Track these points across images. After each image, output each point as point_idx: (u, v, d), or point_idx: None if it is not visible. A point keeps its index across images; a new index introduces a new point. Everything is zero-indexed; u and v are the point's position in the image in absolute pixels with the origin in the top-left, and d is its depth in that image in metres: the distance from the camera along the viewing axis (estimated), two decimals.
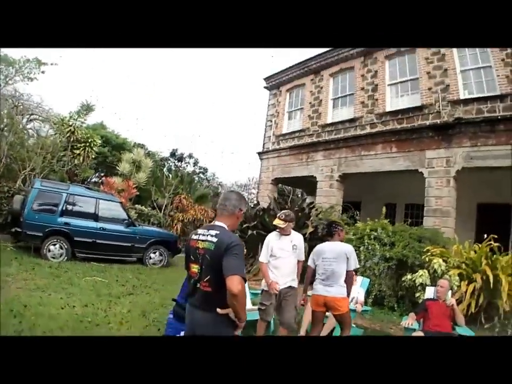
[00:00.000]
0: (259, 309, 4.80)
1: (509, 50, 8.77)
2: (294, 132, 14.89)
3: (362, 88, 12.35)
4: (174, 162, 24.28)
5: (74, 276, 7.60)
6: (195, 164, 25.05)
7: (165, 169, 20.58)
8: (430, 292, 6.05)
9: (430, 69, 10.41)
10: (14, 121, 13.54)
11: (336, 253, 4.44)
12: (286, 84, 15.62)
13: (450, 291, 5.89)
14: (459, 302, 6.16)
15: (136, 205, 14.67)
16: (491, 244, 6.99)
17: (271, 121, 16.00)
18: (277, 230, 4.82)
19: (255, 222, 11.31)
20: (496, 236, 7.10)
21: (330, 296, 4.31)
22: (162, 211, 15.48)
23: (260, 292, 5.10)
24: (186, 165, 24.60)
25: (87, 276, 7.77)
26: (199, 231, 2.57)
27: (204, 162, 38.02)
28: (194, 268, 2.49)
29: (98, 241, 9.63)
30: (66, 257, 9.24)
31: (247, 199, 22.28)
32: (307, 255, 4.96)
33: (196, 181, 20.42)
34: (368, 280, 6.89)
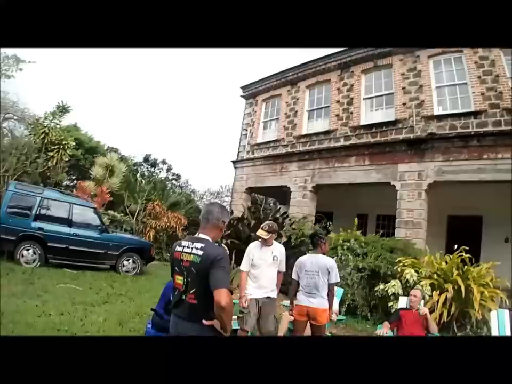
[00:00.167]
0: (238, 317, 4.72)
1: (486, 67, 9.16)
2: (269, 142, 14.91)
3: (338, 101, 12.55)
4: (147, 168, 23.93)
5: (48, 283, 7.47)
6: (168, 170, 24.80)
7: (138, 175, 20.16)
8: (403, 302, 6.16)
9: (405, 84, 10.71)
10: None
11: (318, 267, 4.57)
12: (262, 94, 15.67)
13: (422, 300, 6.01)
14: (431, 311, 6.25)
15: (109, 211, 14.25)
16: (462, 255, 7.15)
17: (246, 130, 15.99)
18: (259, 240, 4.84)
19: (229, 231, 11.18)
20: (467, 248, 7.26)
21: (313, 307, 4.49)
22: (135, 217, 15.12)
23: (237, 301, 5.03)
24: (160, 171, 24.37)
25: (61, 283, 7.64)
26: (183, 242, 2.58)
27: (177, 168, 37.73)
28: (179, 279, 2.51)
29: (71, 247, 9.35)
30: (39, 263, 8.98)
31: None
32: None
33: (168, 188, 20.09)
34: (342, 290, 6.98)
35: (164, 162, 24.59)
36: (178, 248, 2.57)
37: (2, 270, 7.53)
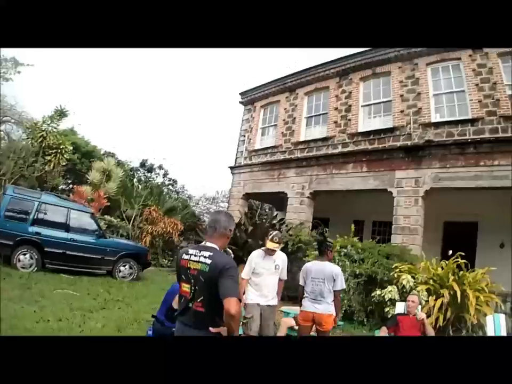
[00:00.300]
0: (242, 323, 4.73)
1: (483, 75, 9.25)
2: (266, 148, 14.94)
3: (336, 108, 12.62)
4: (144, 173, 23.93)
5: (45, 288, 7.43)
6: (165, 175, 24.80)
7: (135, 180, 20.15)
8: (400, 307, 6.21)
9: (403, 92, 10.80)
10: None
11: (324, 274, 4.64)
12: (261, 100, 15.74)
13: (419, 306, 6.05)
14: (427, 315, 6.25)
15: (106, 216, 14.21)
16: (458, 260, 7.18)
17: (244, 136, 16.03)
18: (262, 249, 4.89)
19: None
20: (463, 253, 7.30)
21: (318, 312, 4.56)
22: (131, 222, 15.07)
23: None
24: (156, 176, 24.37)
25: (58, 288, 7.61)
26: (190, 250, 2.60)
27: (174, 173, 37.76)
28: (186, 287, 2.53)
29: (68, 252, 9.31)
30: (36, 268, 8.93)
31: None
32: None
33: (165, 193, 20.08)
34: None
35: (160, 167, 24.68)
36: (185, 256, 2.58)
37: None
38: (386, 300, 7.38)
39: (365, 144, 11.54)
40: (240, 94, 16.61)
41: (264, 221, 12.80)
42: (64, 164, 15.11)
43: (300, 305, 4.89)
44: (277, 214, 14.34)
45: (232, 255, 4.06)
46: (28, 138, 14.60)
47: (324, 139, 12.75)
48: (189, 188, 37.43)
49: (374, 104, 11.82)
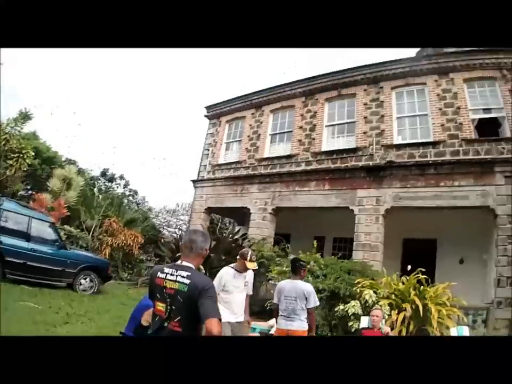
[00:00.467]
0: None
1: (447, 100, 9.80)
2: (230, 163, 14.97)
3: (301, 127, 12.91)
4: (104, 182, 23.22)
5: (8, 299, 6.97)
6: (126, 185, 24.22)
7: (95, 189, 19.44)
8: (365, 321, 6.34)
9: (367, 114, 11.25)
10: None
11: (296, 293, 4.76)
12: (226, 115, 15.81)
13: (383, 320, 6.18)
14: (390, 329, 6.38)
15: (65, 226, 13.53)
16: (418, 276, 7.43)
17: (208, 150, 15.97)
18: (231, 266, 4.94)
19: None
20: (423, 269, 7.56)
21: (293, 329, 4.68)
22: (90, 233, 14.44)
23: None
24: (117, 186, 23.73)
25: (19, 300, 7.35)
26: (166, 269, 2.58)
27: (135, 184, 36.87)
28: (161, 306, 2.50)
29: (28, 263, 8.74)
30: None
31: (175, 226, 21.51)
32: None
33: (125, 204, 19.49)
34: None
35: (121, 177, 24.09)
36: (160, 275, 2.55)
37: None
38: (349, 315, 7.46)
39: (328, 163, 11.84)
40: (205, 107, 16.59)
41: (224, 235, 12.71)
42: (25, 169, 14.35)
43: (277, 322, 4.99)
44: (240, 229, 14.27)
45: (206, 273, 4.01)
46: None
47: (288, 156, 12.97)
48: (150, 200, 36.75)
49: (338, 124, 12.21)
